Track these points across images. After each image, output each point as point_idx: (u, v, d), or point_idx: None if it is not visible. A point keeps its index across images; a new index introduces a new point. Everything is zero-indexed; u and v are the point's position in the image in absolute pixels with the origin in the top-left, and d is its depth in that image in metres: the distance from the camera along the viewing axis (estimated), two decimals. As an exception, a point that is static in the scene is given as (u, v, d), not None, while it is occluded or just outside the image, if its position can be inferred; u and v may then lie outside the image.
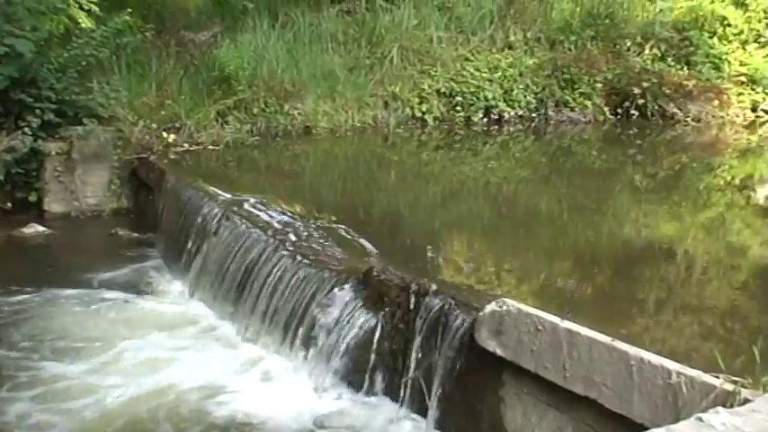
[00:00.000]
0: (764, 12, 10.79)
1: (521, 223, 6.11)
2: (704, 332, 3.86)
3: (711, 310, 4.16)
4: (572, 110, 9.78)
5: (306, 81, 8.62)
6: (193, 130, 7.57)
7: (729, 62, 10.41)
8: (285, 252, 4.67)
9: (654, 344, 3.56)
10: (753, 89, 10.33)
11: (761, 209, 6.64)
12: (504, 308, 3.31)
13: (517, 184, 7.52)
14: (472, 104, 9.34)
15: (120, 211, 7.17)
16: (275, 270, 4.60)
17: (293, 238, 4.90)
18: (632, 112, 9.81)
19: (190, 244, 5.65)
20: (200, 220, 5.62)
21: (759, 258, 5.30)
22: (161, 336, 4.86)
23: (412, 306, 3.76)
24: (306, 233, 5.02)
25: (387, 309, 3.89)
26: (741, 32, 10.69)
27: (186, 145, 7.40)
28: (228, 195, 5.81)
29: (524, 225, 6.05)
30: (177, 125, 7.55)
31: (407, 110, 9.10)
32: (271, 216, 5.38)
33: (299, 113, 8.33)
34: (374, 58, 9.44)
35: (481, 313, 3.40)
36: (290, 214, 5.45)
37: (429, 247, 5.29)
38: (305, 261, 4.53)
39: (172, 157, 7.13)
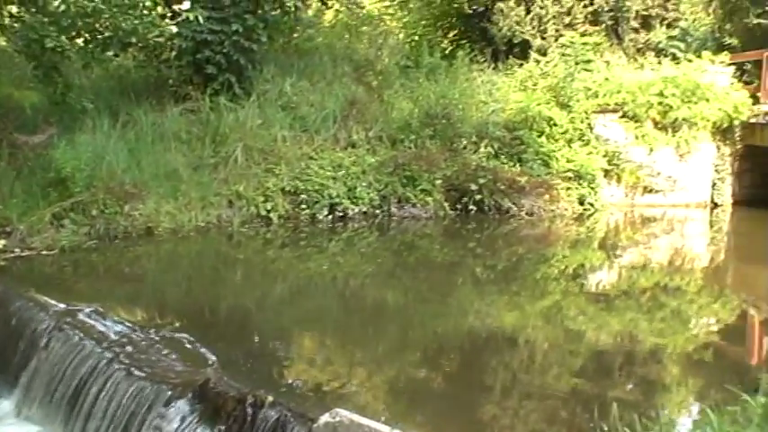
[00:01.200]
0: (585, 113, 11.61)
1: (368, 318, 6.19)
2: (547, 418, 4.04)
3: (553, 396, 4.37)
4: (414, 206, 10.06)
5: (148, 181, 8.49)
6: (26, 234, 7.26)
7: (557, 159, 10.98)
8: (119, 366, 4.49)
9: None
10: (579, 184, 10.91)
11: (592, 296, 7.04)
12: (338, 419, 3.33)
13: (364, 279, 7.65)
14: (317, 202, 9.43)
15: (-59, 324, 6.66)
16: (108, 385, 4.39)
17: (130, 349, 4.72)
18: (470, 207, 10.18)
19: (18, 358, 5.29)
20: (29, 332, 5.31)
21: (593, 343, 5.62)
22: (-17, 462, 4.53)
23: (249, 419, 3.70)
24: (144, 343, 4.85)
25: (224, 422, 3.80)
26: (566, 132, 11.36)
27: (17, 250, 7.08)
28: (62, 305, 5.53)
29: (372, 319, 6.14)
30: (8, 230, 7.24)
31: (252, 208, 9.09)
32: (107, 326, 5.16)
33: (140, 214, 8.14)
34: (218, 157, 9.44)
35: (315, 425, 3.40)
36: (128, 323, 5.26)
37: (276, 347, 5.26)
38: (140, 374, 4.37)
39: (1, 264, 6.76)
